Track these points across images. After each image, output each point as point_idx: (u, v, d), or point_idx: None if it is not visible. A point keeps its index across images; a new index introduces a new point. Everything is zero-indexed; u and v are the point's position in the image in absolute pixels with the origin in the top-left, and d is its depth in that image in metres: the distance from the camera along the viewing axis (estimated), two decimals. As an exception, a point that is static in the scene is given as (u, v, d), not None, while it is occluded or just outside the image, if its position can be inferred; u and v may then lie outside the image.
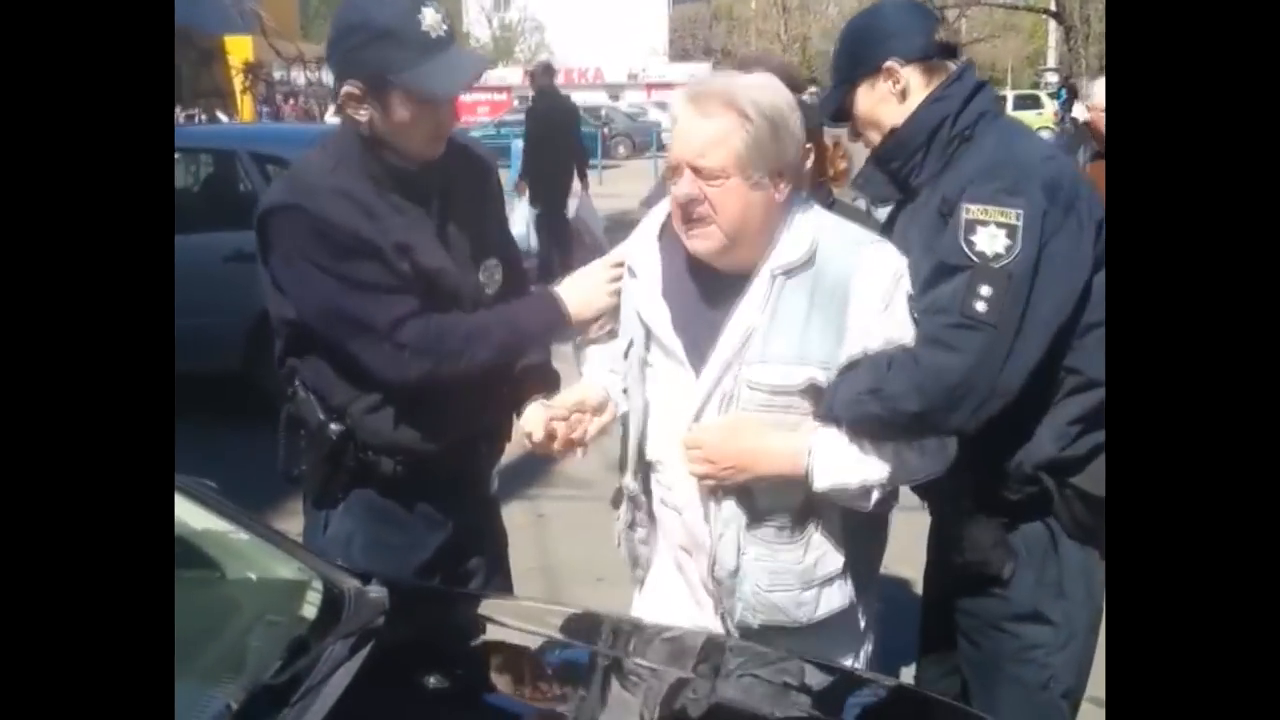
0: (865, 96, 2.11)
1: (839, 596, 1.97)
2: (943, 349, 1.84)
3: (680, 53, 58.47)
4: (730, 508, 1.91)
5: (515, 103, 38.38)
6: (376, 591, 1.92)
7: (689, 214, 1.83)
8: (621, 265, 2.09)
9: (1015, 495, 2.04)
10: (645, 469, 2.03)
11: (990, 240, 1.86)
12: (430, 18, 1.97)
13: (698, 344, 1.90)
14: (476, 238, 2.19)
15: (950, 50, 2.11)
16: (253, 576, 1.96)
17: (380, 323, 1.99)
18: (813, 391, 1.86)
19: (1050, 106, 34.61)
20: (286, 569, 1.95)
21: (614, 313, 2.12)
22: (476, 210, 2.22)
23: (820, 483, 1.86)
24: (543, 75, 10.37)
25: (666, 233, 1.97)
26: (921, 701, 2.06)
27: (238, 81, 28.37)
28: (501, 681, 1.90)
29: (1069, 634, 2.10)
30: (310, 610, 1.85)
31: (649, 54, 54.68)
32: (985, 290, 1.85)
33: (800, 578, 1.93)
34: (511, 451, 2.36)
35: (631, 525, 2.08)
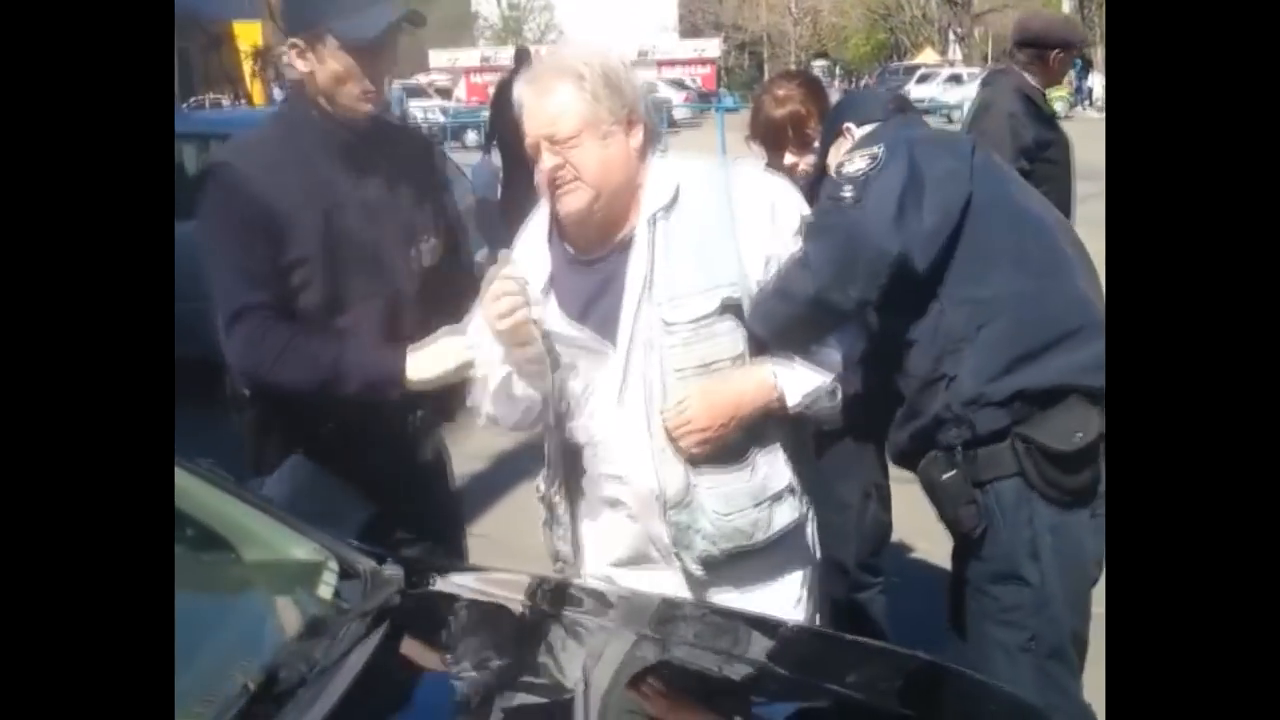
0: (832, 157, 2.42)
1: (789, 512, 2.06)
2: (816, 233, 2.01)
3: (690, 29, 58.22)
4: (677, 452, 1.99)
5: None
6: (391, 570, 1.92)
7: (555, 181, 1.94)
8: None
9: (955, 439, 2.13)
10: (571, 462, 2.07)
11: (852, 164, 2.11)
12: None
13: (605, 321, 1.98)
14: (412, 214, 2.29)
15: (904, 106, 2.48)
16: (268, 558, 1.97)
17: (226, 306, 2.12)
18: (733, 309, 1.96)
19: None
20: (302, 550, 1.95)
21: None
22: (414, 188, 2.31)
23: (793, 399, 1.98)
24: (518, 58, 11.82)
25: (554, 234, 2.06)
26: (929, 668, 2.06)
27: (247, 67, 28.39)
28: (519, 656, 1.90)
29: (1047, 595, 2.13)
30: (326, 590, 1.86)
31: (659, 30, 54.45)
32: (848, 189, 2.06)
33: (752, 497, 2.00)
34: (518, 437, 2.38)
35: (548, 524, 2.15)
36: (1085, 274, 2.21)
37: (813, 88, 2.89)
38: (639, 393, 1.97)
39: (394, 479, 2.29)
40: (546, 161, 1.93)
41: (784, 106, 2.74)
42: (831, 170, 2.22)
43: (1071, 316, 2.12)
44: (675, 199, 1.98)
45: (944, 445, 2.15)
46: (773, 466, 2.03)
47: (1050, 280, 2.14)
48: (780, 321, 1.97)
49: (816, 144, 2.66)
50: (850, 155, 2.18)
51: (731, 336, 1.97)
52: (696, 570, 2.04)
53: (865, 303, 2.04)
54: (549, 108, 1.92)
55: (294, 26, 2.21)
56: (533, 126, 1.94)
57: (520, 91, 1.96)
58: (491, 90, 13.83)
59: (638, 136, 1.98)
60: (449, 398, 2.32)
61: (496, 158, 11.97)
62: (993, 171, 2.24)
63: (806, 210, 2.07)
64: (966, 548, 2.21)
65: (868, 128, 2.36)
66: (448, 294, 2.27)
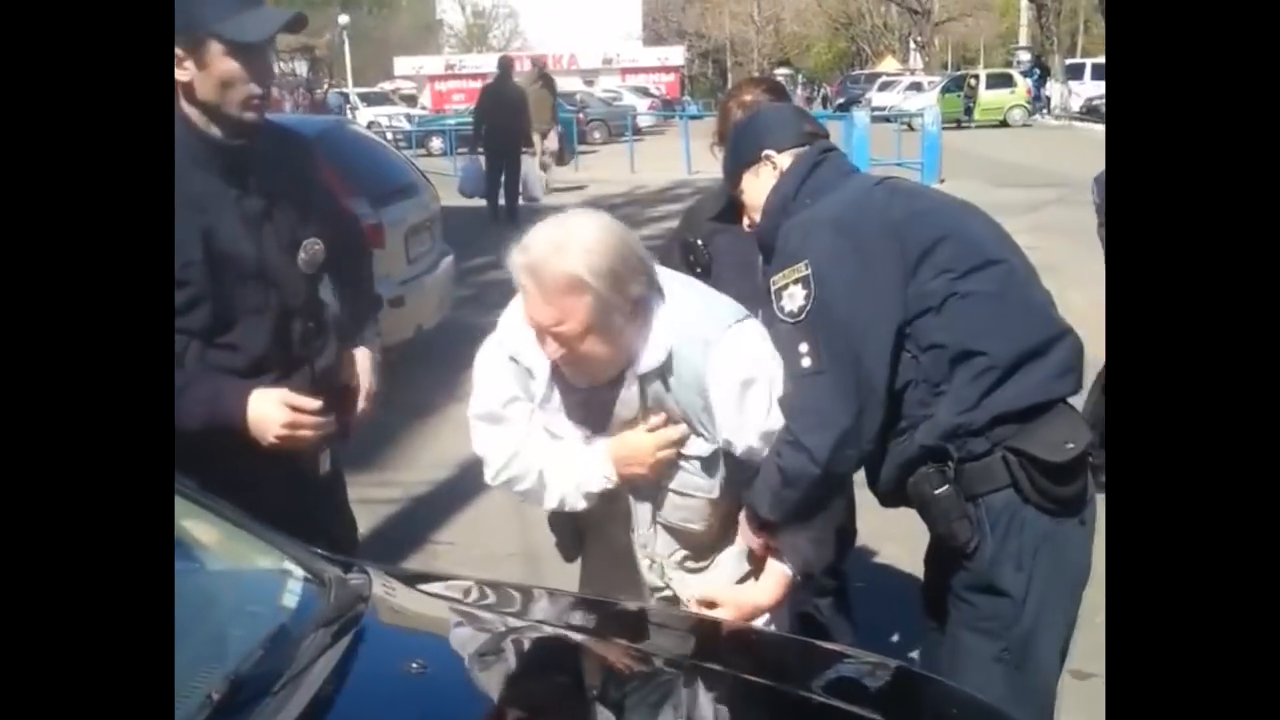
0: (750, 184, 2.34)
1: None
2: (797, 414, 2.03)
3: (654, 36, 58.39)
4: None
5: (490, 89, 38.28)
6: (357, 579, 1.91)
7: (560, 360, 1.97)
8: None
9: (940, 463, 2.13)
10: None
11: (792, 300, 2.07)
12: None
13: (596, 431, 2.09)
14: (295, 217, 2.28)
15: (820, 136, 2.37)
16: (231, 566, 1.95)
17: None
18: (711, 457, 2.07)
19: (1023, 85, 34.66)
20: (266, 558, 1.94)
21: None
22: (295, 189, 2.30)
23: (805, 570, 2.16)
24: (501, 66, 14.25)
25: None
26: (905, 676, 2.07)
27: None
28: (483, 666, 1.89)
29: (1026, 607, 2.13)
30: (291, 599, 1.84)
31: (623, 38, 54.53)
32: (803, 347, 2.04)
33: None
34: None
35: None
36: (1026, 272, 2.21)
37: (777, 94, 2.90)
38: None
39: (282, 494, 2.26)
40: (552, 351, 1.94)
41: (749, 111, 2.74)
42: (772, 298, 2.11)
43: (1034, 332, 2.13)
44: (662, 366, 2.00)
45: (933, 464, 2.14)
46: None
47: (1002, 302, 2.13)
48: (796, 504, 2.05)
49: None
50: (781, 280, 2.10)
51: (708, 476, 2.09)
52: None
53: (868, 447, 2.08)
54: (553, 311, 1.89)
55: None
56: (537, 316, 1.92)
57: (522, 275, 1.91)
58: (477, 95, 14.83)
59: (642, 307, 1.97)
60: (344, 417, 2.37)
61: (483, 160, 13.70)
62: (918, 207, 2.19)
63: (777, 382, 2.06)
64: (950, 555, 2.19)
65: (788, 156, 2.29)
66: (341, 297, 2.33)
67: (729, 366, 2.00)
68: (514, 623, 2.02)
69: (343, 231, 2.40)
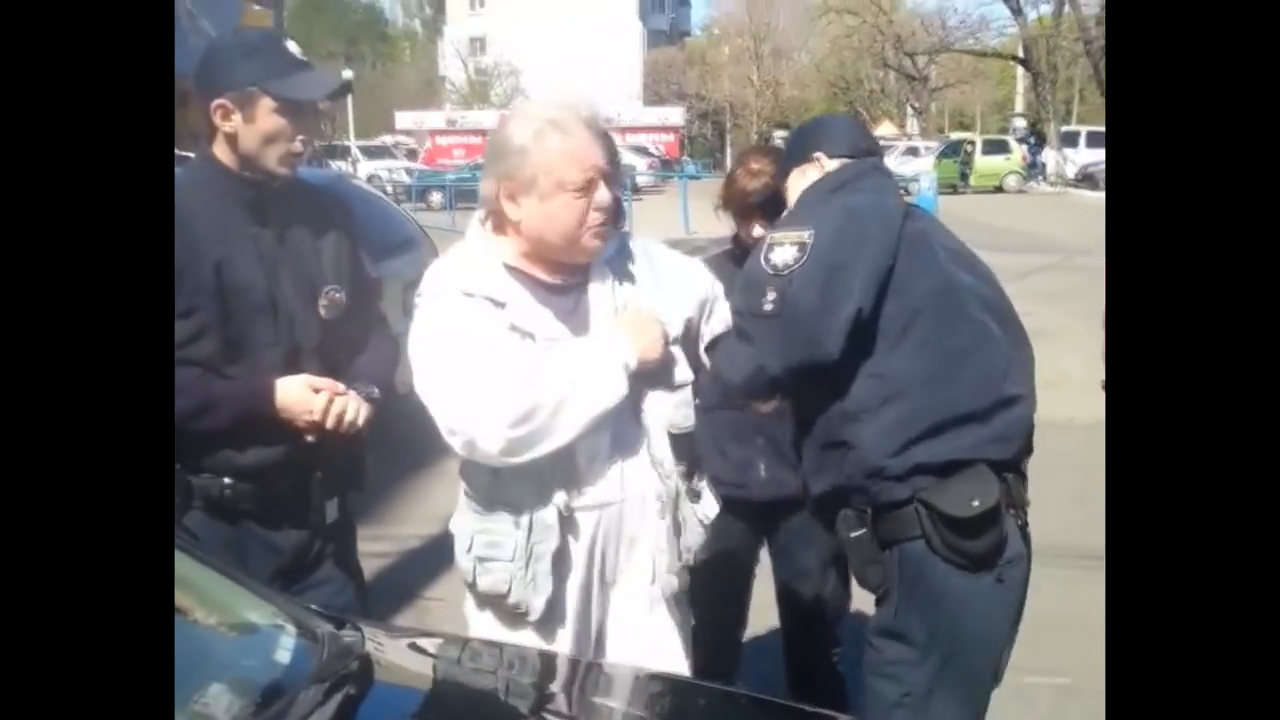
0: (794, 182, 2.45)
1: None
2: (741, 337, 2.22)
3: (654, 97, 59.04)
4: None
5: (490, 145, 38.53)
6: (350, 635, 1.90)
7: (606, 218, 2.09)
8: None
9: (861, 507, 2.21)
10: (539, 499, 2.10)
11: (782, 255, 2.18)
12: (292, 45, 2.27)
13: (579, 330, 2.13)
14: (315, 265, 2.33)
15: (874, 153, 2.50)
16: (223, 619, 1.94)
17: None
18: (683, 336, 2.21)
19: (1018, 151, 35.08)
20: (259, 614, 1.93)
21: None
22: (319, 239, 2.35)
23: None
24: None
25: (513, 272, 2.14)
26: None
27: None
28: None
29: (929, 656, 2.17)
30: (284, 655, 1.83)
31: (624, 98, 55.17)
32: (771, 294, 2.16)
33: None
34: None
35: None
36: (1004, 336, 2.26)
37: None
38: None
39: (293, 541, 2.32)
40: (605, 195, 2.07)
41: (758, 179, 2.78)
42: (764, 245, 2.23)
43: (980, 396, 2.17)
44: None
45: (853, 507, 2.23)
46: None
47: (966, 357, 2.18)
48: (710, 388, 2.33)
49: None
50: (782, 237, 2.21)
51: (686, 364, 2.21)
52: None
53: (787, 390, 2.28)
54: (601, 149, 2.07)
55: (221, 84, 2.22)
56: (591, 158, 2.06)
57: (564, 125, 2.05)
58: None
59: None
60: (353, 464, 2.40)
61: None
62: (922, 241, 2.26)
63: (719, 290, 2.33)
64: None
65: (837, 162, 2.40)
66: (353, 348, 2.35)
67: (670, 254, 2.31)
68: (508, 682, 2.01)
69: (363, 292, 2.43)
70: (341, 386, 2.26)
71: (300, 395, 2.22)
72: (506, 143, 2.08)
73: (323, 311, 2.30)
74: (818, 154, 2.42)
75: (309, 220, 2.34)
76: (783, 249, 2.18)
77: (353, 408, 2.26)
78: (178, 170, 2.22)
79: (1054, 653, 3.68)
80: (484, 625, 2.19)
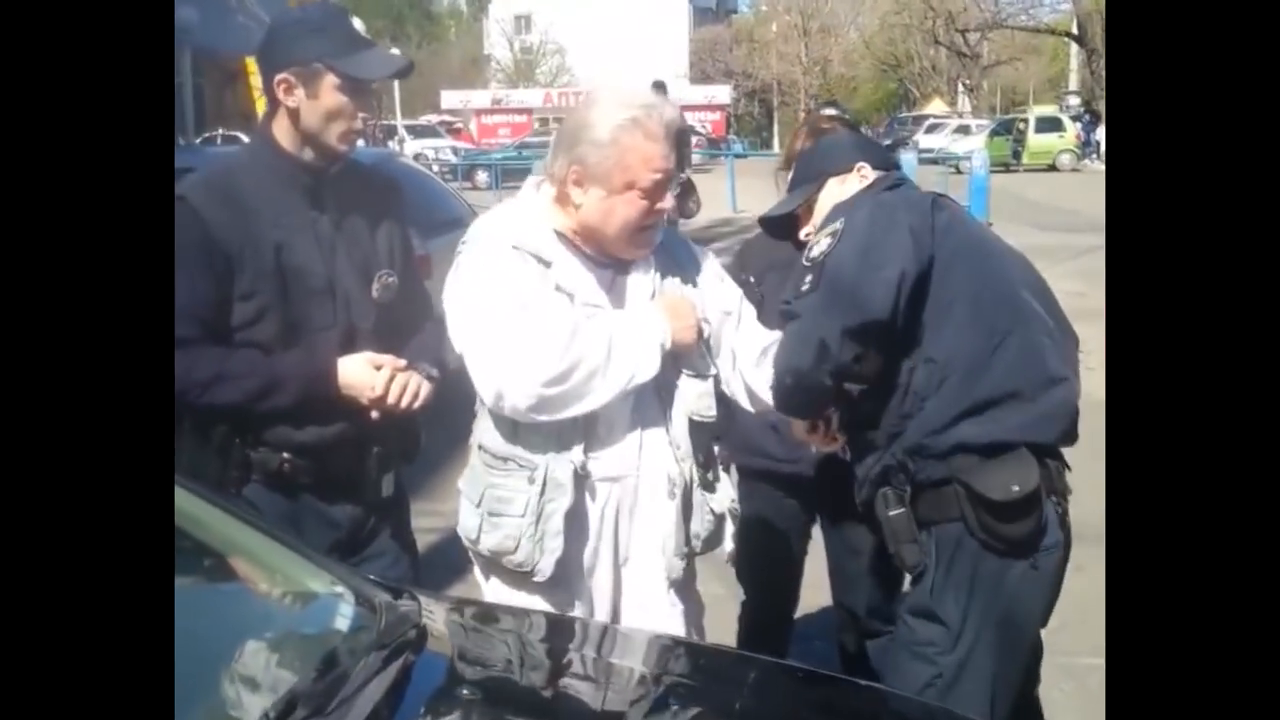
0: (831, 190, 2.47)
1: None
2: (786, 324, 2.23)
3: (701, 75, 58.72)
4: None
5: (536, 124, 38.65)
6: (407, 604, 1.93)
7: (659, 219, 2.14)
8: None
9: (901, 486, 2.23)
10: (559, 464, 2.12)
11: (818, 247, 2.24)
12: (358, 23, 2.26)
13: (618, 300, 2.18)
14: (370, 248, 2.35)
15: (897, 166, 2.60)
16: (284, 588, 1.98)
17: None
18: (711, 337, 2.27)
19: (1072, 129, 34.49)
20: (318, 582, 1.97)
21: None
22: (373, 223, 2.38)
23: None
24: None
25: (565, 241, 2.16)
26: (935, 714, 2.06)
27: (260, 103, 28.59)
28: (532, 694, 1.90)
29: (961, 638, 2.18)
30: (343, 623, 1.87)
31: (670, 76, 54.93)
32: (808, 279, 2.21)
33: None
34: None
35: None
36: (1048, 318, 2.27)
37: (850, 128, 2.98)
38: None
39: (356, 511, 2.36)
40: (667, 200, 2.12)
41: (827, 135, 2.78)
42: (805, 250, 2.29)
43: (1022, 376, 2.17)
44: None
45: (894, 485, 2.24)
46: None
47: (1007, 337, 2.19)
48: (782, 404, 2.26)
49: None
50: (818, 236, 2.28)
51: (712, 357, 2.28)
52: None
53: (844, 373, 2.17)
54: (673, 150, 2.09)
55: (286, 60, 2.23)
56: (659, 162, 2.08)
57: (650, 124, 2.07)
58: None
59: None
60: (407, 438, 2.43)
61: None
62: (956, 228, 2.27)
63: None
64: (897, 573, 2.34)
65: (877, 174, 2.44)
66: (404, 330, 2.37)
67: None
68: (561, 651, 2.04)
69: (412, 276, 2.46)
70: (403, 362, 2.28)
71: (363, 373, 2.25)
72: (586, 130, 2.09)
73: (376, 294, 2.33)
74: (861, 164, 2.47)
75: (364, 204, 2.37)
76: (819, 244, 2.24)
77: (414, 384, 2.29)
78: (236, 150, 2.27)
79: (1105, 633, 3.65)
80: (493, 593, 2.22)
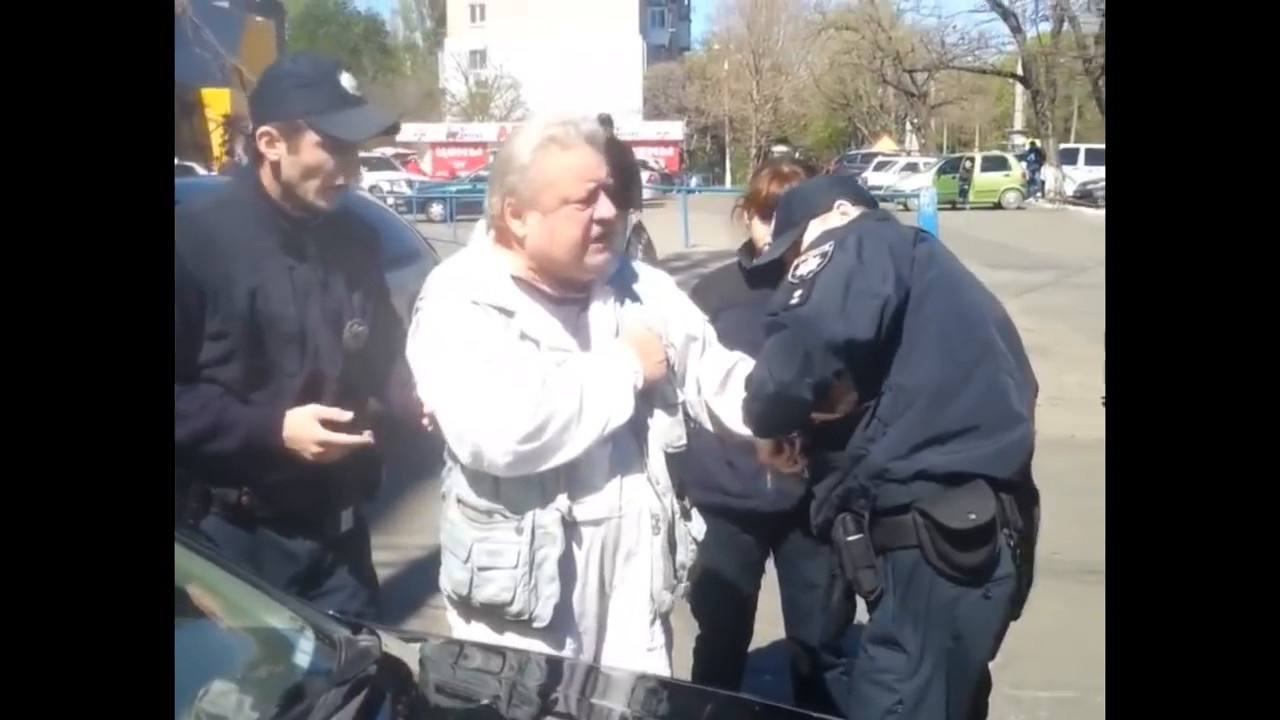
0: (814, 229, 2.51)
1: None
2: (771, 336, 2.25)
3: (654, 111, 59.09)
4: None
5: (490, 158, 38.61)
6: (367, 639, 1.93)
7: (607, 231, 2.12)
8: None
9: (860, 511, 2.27)
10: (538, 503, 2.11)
11: (806, 266, 2.29)
12: (347, 79, 2.27)
13: (583, 343, 2.16)
14: (344, 297, 2.35)
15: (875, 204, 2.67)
16: (244, 624, 1.97)
17: None
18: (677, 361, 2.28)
19: (1017, 168, 35.13)
20: (277, 618, 1.96)
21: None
22: (350, 272, 2.37)
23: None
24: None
25: (520, 283, 2.15)
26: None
27: (215, 135, 28.33)
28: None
29: (920, 666, 2.24)
30: (303, 659, 1.86)
31: (624, 112, 55.20)
32: (797, 292, 2.25)
33: None
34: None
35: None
36: (1011, 358, 2.35)
37: (812, 174, 3.03)
38: None
39: (309, 549, 2.36)
40: (607, 208, 2.10)
41: (789, 182, 2.84)
42: (789, 272, 2.33)
43: (985, 411, 2.25)
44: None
45: (853, 511, 2.29)
46: None
47: (974, 370, 2.26)
48: (757, 418, 2.27)
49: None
50: (805, 256, 2.33)
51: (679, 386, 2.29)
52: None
53: (824, 388, 2.20)
54: (600, 159, 2.10)
55: (270, 114, 2.24)
56: (594, 173, 2.10)
57: (573, 140, 2.08)
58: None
59: None
60: (368, 474, 2.44)
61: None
62: (934, 263, 2.35)
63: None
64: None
65: (857, 210, 2.51)
66: (372, 375, 2.36)
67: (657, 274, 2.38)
68: (519, 688, 2.04)
69: (386, 324, 2.46)
70: (348, 416, 2.26)
71: (307, 428, 2.23)
72: (510, 160, 2.11)
73: (345, 342, 2.33)
74: (840, 201, 2.53)
75: (342, 252, 2.37)
76: (806, 263, 2.29)
77: (355, 445, 2.27)
78: (220, 185, 2.25)
79: (1057, 667, 3.71)
80: (477, 638, 2.19)
